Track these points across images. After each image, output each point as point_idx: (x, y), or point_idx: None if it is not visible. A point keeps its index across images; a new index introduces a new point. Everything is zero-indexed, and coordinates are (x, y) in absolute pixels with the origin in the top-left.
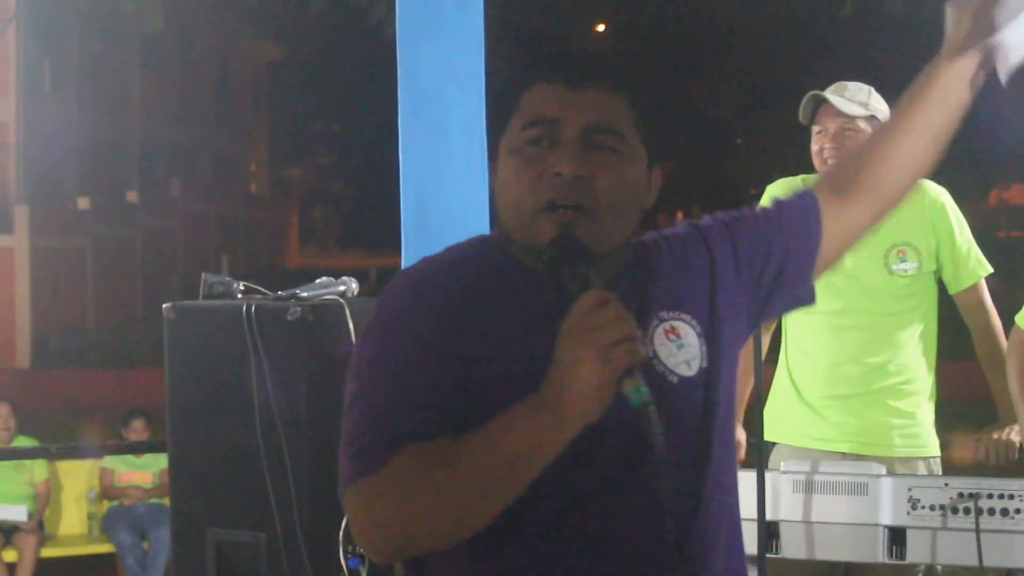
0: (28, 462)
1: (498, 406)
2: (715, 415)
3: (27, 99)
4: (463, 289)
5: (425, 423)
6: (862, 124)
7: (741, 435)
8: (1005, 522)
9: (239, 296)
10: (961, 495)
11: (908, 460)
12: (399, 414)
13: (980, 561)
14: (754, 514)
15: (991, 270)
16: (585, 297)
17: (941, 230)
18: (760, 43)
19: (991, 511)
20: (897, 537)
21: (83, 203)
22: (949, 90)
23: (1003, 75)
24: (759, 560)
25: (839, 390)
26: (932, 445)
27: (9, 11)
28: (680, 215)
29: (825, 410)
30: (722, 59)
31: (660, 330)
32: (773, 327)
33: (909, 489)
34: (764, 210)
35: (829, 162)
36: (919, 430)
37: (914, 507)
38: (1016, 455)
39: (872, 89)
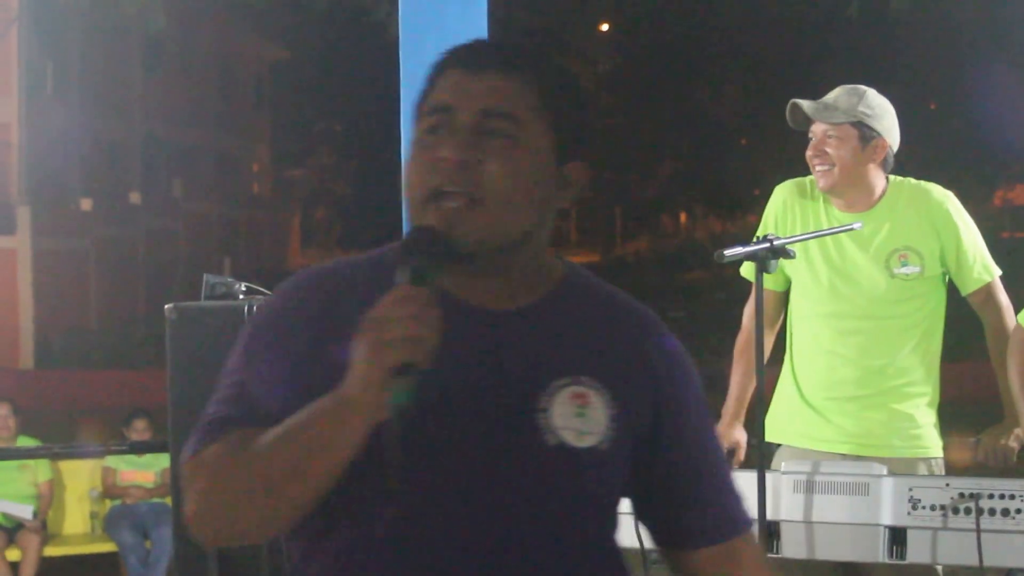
0: (32, 462)
1: None
2: (585, 500)
3: (29, 100)
4: (343, 293)
5: (260, 412)
6: (846, 131)
7: (742, 436)
8: (1006, 522)
9: (241, 297)
10: (962, 495)
11: (909, 461)
12: (240, 401)
13: (980, 561)
14: (755, 514)
15: (999, 272)
16: (394, 290)
17: (945, 233)
18: (764, 43)
19: (992, 511)
20: (898, 537)
21: (85, 204)
22: None
23: None
24: None
25: (840, 392)
26: (934, 446)
27: (12, 12)
28: (683, 216)
29: (826, 412)
30: (726, 59)
31: (569, 391)
32: (778, 327)
33: (910, 489)
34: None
35: (818, 169)
36: (920, 431)
37: (915, 507)
38: (1015, 459)
39: (868, 93)
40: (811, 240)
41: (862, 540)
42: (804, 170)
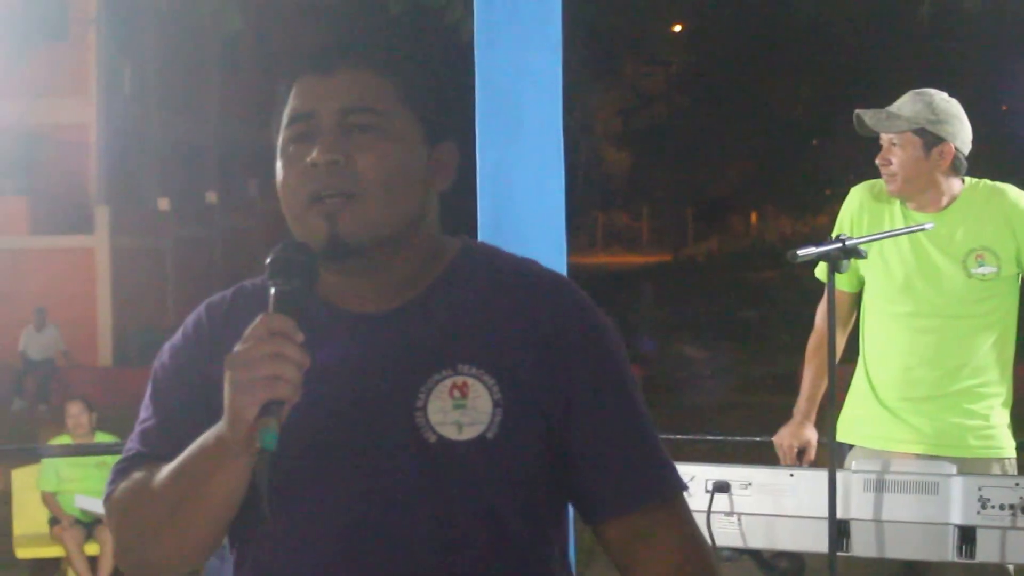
0: (109, 459)
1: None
2: (480, 493)
3: (107, 101)
4: (230, 319)
5: (167, 447)
6: (908, 138)
7: (813, 435)
8: None
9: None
10: None
11: (983, 461)
12: (148, 437)
13: None
14: (825, 513)
15: None
16: (256, 322)
17: (1021, 234)
18: (836, 44)
19: None
20: (967, 536)
21: (163, 204)
22: None
23: None
24: (830, 558)
25: (914, 392)
26: (1008, 446)
27: (89, 13)
28: (754, 216)
29: (901, 412)
30: (798, 60)
31: (447, 383)
32: (850, 328)
33: (979, 488)
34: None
35: (885, 175)
36: (994, 431)
37: (984, 506)
38: None
39: (935, 98)
40: (887, 240)
41: (931, 539)
42: (874, 171)
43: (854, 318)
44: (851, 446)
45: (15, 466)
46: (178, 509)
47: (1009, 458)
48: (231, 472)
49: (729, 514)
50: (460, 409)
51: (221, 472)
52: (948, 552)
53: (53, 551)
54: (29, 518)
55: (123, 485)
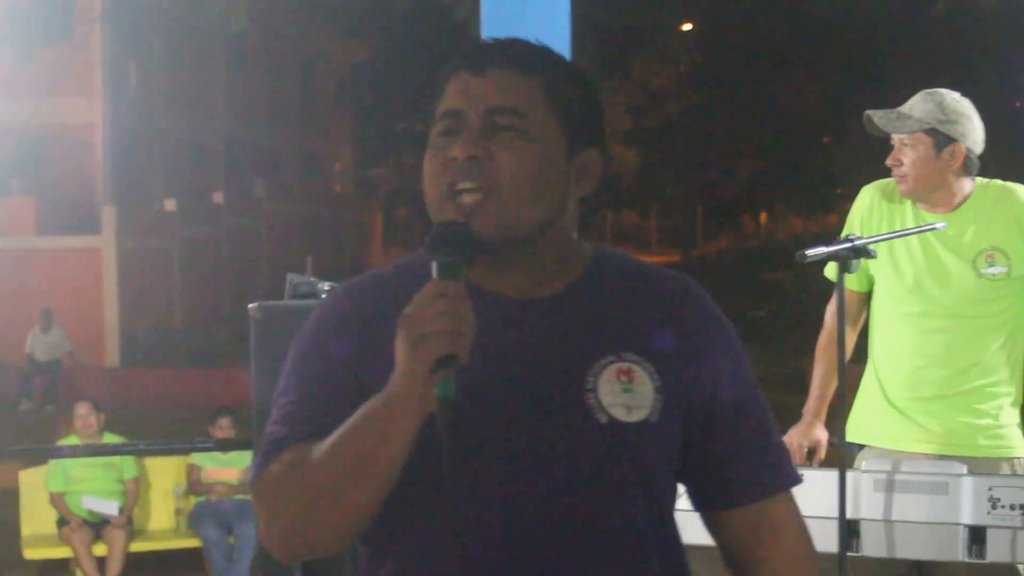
0: (117, 460)
1: None
2: (643, 474)
3: (113, 101)
4: (379, 301)
5: (313, 428)
6: (919, 138)
7: (823, 435)
8: None
9: (324, 296)
10: None
11: (993, 461)
12: (293, 419)
13: None
14: (835, 512)
15: None
16: (426, 286)
17: None
18: (848, 41)
19: None
20: (977, 536)
21: (169, 204)
22: None
23: None
24: (840, 558)
25: (924, 392)
26: (1018, 446)
27: (95, 12)
28: (764, 215)
29: (910, 412)
30: (809, 58)
31: (613, 368)
32: (860, 327)
33: (989, 489)
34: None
35: (896, 176)
36: (1004, 431)
37: (994, 506)
38: None
39: (945, 98)
40: (896, 240)
41: (942, 539)
42: (885, 170)
43: (864, 317)
44: (861, 446)
45: (23, 467)
46: (343, 481)
47: (1019, 458)
48: (398, 437)
49: None
50: (628, 393)
51: (389, 438)
52: (958, 552)
53: (61, 552)
54: (37, 519)
55: (274, 468)
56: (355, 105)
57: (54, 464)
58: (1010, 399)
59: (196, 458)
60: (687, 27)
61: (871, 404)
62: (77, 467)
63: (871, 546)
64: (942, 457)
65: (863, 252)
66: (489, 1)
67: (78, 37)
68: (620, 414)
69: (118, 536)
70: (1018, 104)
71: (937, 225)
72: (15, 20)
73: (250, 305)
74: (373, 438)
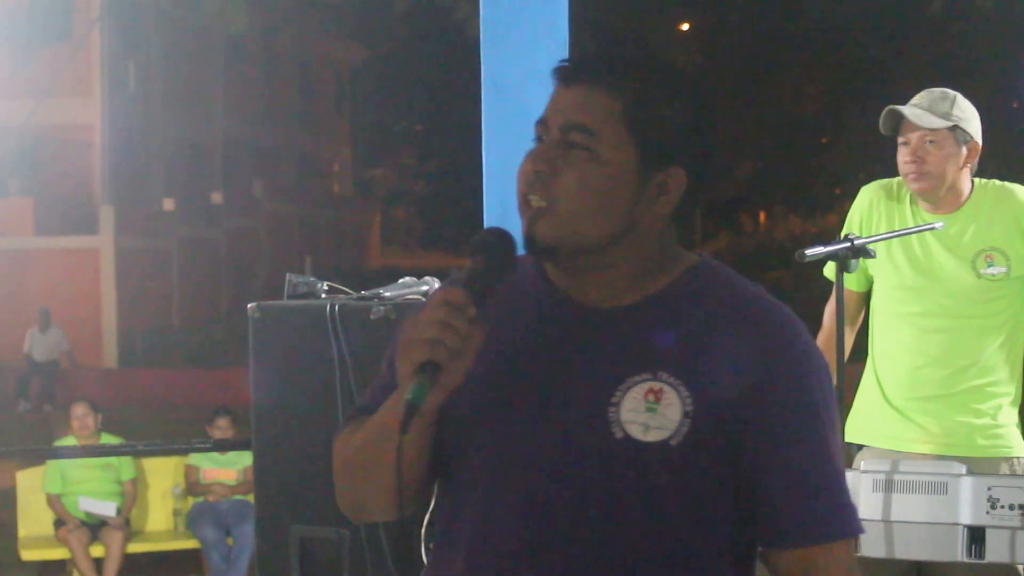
0: (115, 460)
1: (451, 403)
2: (653, 496)
3: (111, 101)
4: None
5: (376, 405)
6: (944, 135)
7: None
8: None
9: (323, 296)
10: None
11: (992, 460)
12: (375, 392)
13: None
14: None
15: None
16: (435, 292)
17: None
18: (845, 42)
19: None
20: (976, 536)
21: (168, 204)
22: None
23: None
24: None
25: (923, 392)
26: (1017, 446)
27: (93, 13)
28: (763, 215)
29: (909, 412)
30: (807, 58)
31: (644, 386)
32: (858, 326)
33: (988, 489)
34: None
35: (910, 177)
36: (1002, 431)
37: (993, 506)
38: None
39: (957, 96)
40: (895, 240)
41: (941, 539)
42: (884, 170)
43: (862, 317)
44: (860, 446)
45: (20, 467)
46: (361, 461)
47: (1018, 457)
48: (393, 434)
49: None
50: (650, 412)
51: (387, 433)
52: (957, 552)
53: (58, 553)
54: (34, 520)
55: (342, 433)
56: (354, 105)
57: (51, 465)
58: (1009, 399)
59: (194, 459)
60: (685, 27)
61: (870, 404)
62: (74, 468)
63: (870, 547)
64: (941, 457)
65: (862, 252)
66: (489, 1)
67: (77, 37)
68: (636, 432)
69: (115, 537)
70: (1016, 104)
71: (936, 225)
72: (14, 20)
73: (249, 305)
74: (377, 431)
